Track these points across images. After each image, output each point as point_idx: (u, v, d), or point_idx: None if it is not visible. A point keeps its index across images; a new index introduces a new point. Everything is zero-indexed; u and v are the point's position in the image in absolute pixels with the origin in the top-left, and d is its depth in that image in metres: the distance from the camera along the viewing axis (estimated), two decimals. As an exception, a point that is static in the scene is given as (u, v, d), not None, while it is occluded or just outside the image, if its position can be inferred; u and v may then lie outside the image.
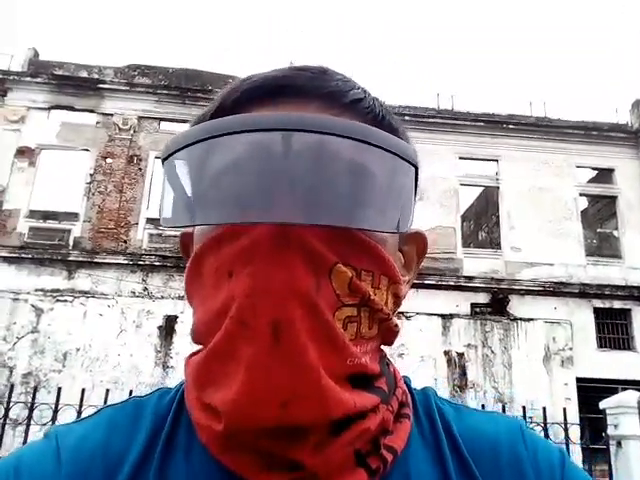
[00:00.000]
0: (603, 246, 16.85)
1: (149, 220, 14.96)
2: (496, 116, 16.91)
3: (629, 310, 15.18)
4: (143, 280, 14.36)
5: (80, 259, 14.27)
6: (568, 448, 4.82)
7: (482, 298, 15.07)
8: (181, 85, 16.08)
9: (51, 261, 14.17)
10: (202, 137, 0.45)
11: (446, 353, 14.23)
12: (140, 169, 15.53)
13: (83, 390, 4.76)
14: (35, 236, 14.64)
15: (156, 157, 15.11)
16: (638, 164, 16.67)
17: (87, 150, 15.59)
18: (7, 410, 4.74)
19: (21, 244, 14.42)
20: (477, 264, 15.42)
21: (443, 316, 14.54)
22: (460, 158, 16.53)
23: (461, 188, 16.54)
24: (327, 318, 0.44)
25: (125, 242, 14.87)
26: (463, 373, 14.12)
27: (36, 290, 13.83)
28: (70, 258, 14.25)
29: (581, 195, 16.86)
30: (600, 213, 17.74)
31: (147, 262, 14.42)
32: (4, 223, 14.66)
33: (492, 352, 14.38)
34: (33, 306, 13.64)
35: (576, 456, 7.84)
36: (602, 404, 5.72)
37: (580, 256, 15.76)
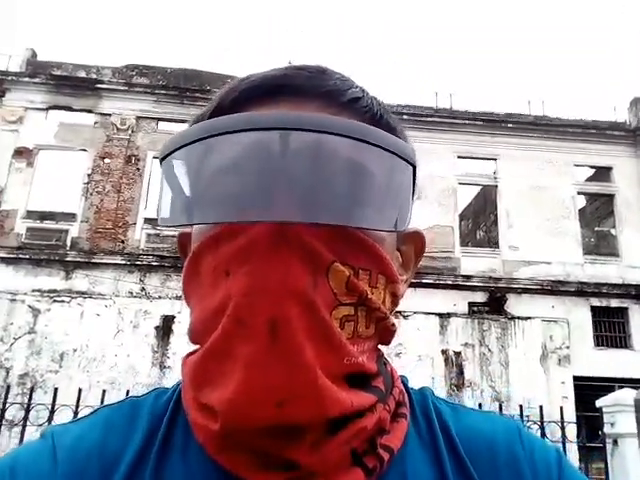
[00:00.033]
0: (601, 244, 16.88)
1: (147, 220, 14.94)
2: (494, 115, 16.92)
3: (626, 308, 15.21)
4: (140, 280, 14.34)
5: (77, 259, 14.24)
6: (565, 446, 4.83)
7: (480, 297, 15.08)
8: (179, 85, 16.06)
9: (48, 261, 14.14)
10: (200, 136, 0.45)
11: (443, 352, 14.25)
12: (138, 169, 15.51)
13: (80, 390, 4.76)
14: (32, 236, 14.61)
15: (154, 157, 15.10)
16: (636, 162, 16.70)
17: (85, 150, 15.56)
18: (3, 411, 4.74)
19: (18, 244, 14.39)
20: (475, 263, 15.44)
21: (441, 315, 14.56)
22: (458, 157, 16.54)
23: (459, 187, 16.54)
24: (324, 317, 0.44)
25: (123, 242, 14.85)
26: (460, 372, 14.14)
27: (33, 291, 13.80)
28: (67, 258, 14.22)
29: (579, 193, 16.88)
30: (598, 211, 17.76)
31: (145, 262, 14.40)
32: (1, 224, 14.63)
33: (489, 351, 14.40)
34: (30, 307, 13.62)
35: (573, 454, 7.86)
36: (599, 402, 5.74)
37: (578, 254, 15.79)
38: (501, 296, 14.97)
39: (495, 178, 16.62)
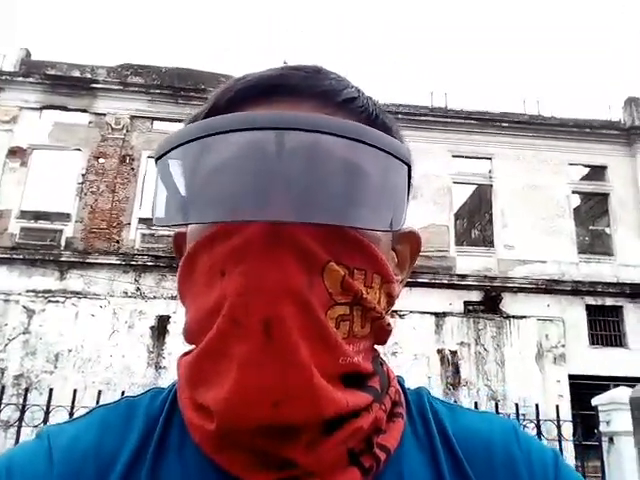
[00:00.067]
0: (595, 243, 16.95)
1: (141, 220, 14.89)
2: (489, 114, 16.95)
3: (621, 307, 15.28)
4: (135, 280, 14.30)
5: (72, 259, 14.19)
6: (561, 445, 4.85)
7: (475, 296, 15.12)
8: (174, 84, 16.02)
9: (43, 262, 14.09)
10: (196, 136, 0.45)
11: (439, 351, 14.27)
12: (133, 169, 15.47)
13: (75, 391, 4.75)
14: (27, 237, 14.56)
15: (149, 157, 15.05)
16: (630, 161, 16.76)
17: (79, 150, 15.51)
18: (-1, 412, 4.72)
19: (12, 245, 14.32)
20: (470, 262, 15.47)
21: (436, 314, 14.58)
22: (453, 156, 16.57)
23: (454, 186, 16.57)
24: (319, 316, 0.44)
25: (117, 242, 14.81)
26: (456, 371, 14.17)
27: (27, 291, 13.74)
28: (62, 259, 14.17)
29: (574, 193, 16.94)
30: (592, 210, 17.82)
31: (139, 262, 14.37)
32: (-5, 223, 14.58)
33: (485, 350, 14.44)
34: (24, 307, 13.56)
35: (569, 453, 7.88)
36: (594, 401, 5.76)
37: (572, 253, 15.84)
38: (496, 295, 15.00)
39: (490, 177, 16.66)
